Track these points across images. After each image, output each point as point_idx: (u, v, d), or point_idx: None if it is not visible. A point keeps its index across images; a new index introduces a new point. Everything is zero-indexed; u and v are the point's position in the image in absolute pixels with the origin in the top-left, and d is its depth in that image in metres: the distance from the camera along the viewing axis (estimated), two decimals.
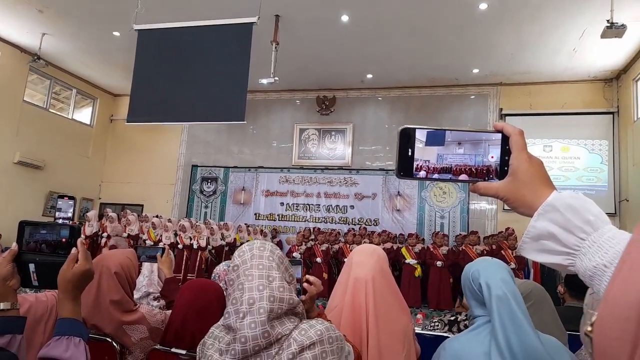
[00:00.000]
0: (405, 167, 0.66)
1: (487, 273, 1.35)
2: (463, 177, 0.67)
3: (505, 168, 0.65)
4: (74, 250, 1.13)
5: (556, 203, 0.57)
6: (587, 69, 9.36)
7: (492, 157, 0.66)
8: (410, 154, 0.66)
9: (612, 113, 9.72)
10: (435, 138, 0.67)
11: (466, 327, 2.54)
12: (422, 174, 0.66)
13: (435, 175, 0.66)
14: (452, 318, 2.68)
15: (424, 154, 0.66)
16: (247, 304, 1.05)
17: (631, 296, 0.28)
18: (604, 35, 6.76)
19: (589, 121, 9.86)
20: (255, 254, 1.14)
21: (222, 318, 1.13)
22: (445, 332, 2.57)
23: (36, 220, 1.76)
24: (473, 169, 0.66)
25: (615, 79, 9.68)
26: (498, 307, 1.25)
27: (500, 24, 7.82)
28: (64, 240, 1.18)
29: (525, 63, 9.32)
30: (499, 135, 0.66)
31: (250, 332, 1.02)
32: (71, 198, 2.23)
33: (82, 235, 1.27)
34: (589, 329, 0.38)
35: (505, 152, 0.65)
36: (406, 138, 0.67)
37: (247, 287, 1.07)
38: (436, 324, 2.70)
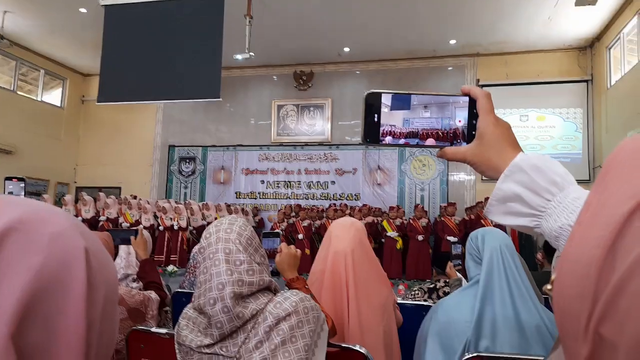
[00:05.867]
0: (372, 133, 0.64)
1: (486, 231, 1.54)
2: (430, 141, 0.65)
3: (473, 132, 0.63)
4: None
5: (522, 164, 0.56)
6: (561, 37, 9.42)
7: (460, 121, 0.65)
8: (376, 119, 0.64)
9: (587, 81, 9.86)
10: (401, 102, 0.65)
11: (445, 294, 2.59)
12: (389, 139, 0.64)
13: (402, 141, 0.64)
14: (432, 286, 2.72)
15: (390, 119, 0.64)
16: (216, 289, 1.05)
17: (589, 251, 0.28)
18: (578, 2, 6.80)
19: (564, 90, 9.99)
20: (221, 237, 1.11)
21: (192, 300, 1.14)
22: (425, 300, 2.62)
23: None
24: (440, 133, 0.65)
25: (589, 47, 9.77)
26: (490, 256, 1.36)
27: None
28: None
29: (501, 32, 9.32)
30: (467, 99, 0.64)
31: (225, 316, 1.04)
32: (21, 179, 2.15)
33: None
34: (549, 287, 0.37)
35: (473, 115, 0.64)
36: (372, 103, 0.65)
37: (214, 272, 1.06)
38: (416, 292, 2.74)
